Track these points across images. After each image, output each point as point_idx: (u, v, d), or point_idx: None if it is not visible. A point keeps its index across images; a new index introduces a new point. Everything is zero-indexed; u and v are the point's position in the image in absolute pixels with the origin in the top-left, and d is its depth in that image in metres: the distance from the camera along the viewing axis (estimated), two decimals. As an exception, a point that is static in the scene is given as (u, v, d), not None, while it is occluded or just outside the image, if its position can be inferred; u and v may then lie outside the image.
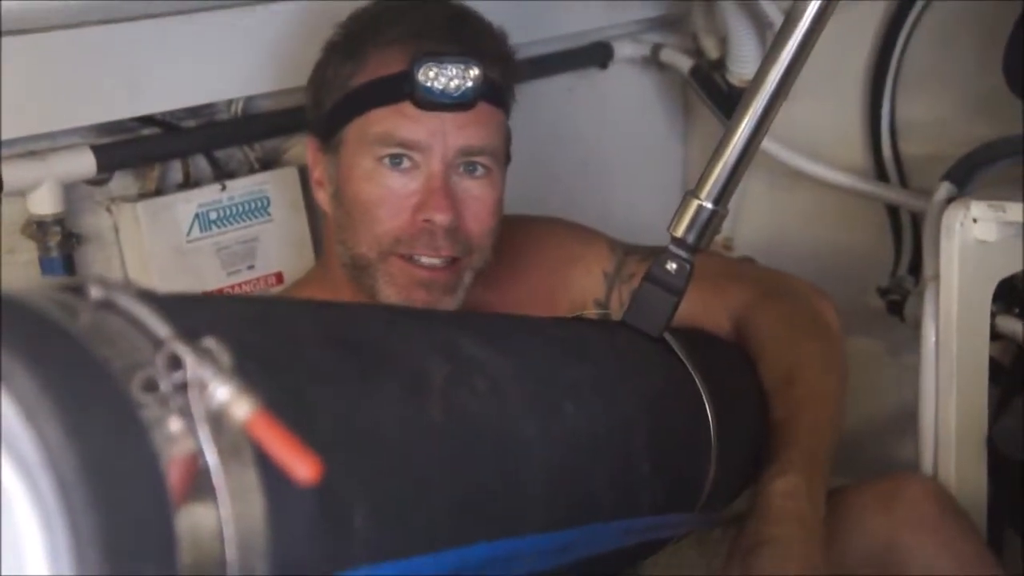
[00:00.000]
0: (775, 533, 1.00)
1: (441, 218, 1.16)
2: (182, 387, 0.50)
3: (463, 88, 1.15)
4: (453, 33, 1.19)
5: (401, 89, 1.15)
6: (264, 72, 1.37)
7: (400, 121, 1.16)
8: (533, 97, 1.46)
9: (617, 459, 0.87)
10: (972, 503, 1.26)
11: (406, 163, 1.17)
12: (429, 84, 1.14)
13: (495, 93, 1.20)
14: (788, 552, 0.99)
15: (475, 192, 1.19)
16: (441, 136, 1.16)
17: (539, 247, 1.34)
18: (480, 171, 1.19)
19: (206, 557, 0.50)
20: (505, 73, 1.23)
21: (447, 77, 1.15)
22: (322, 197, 1.25)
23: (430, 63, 1.14)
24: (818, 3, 1.00)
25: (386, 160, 1.17)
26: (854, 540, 1.15)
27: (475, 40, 1.20)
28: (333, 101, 1.21)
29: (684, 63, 1.81)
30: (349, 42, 1.22)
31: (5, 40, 1.14)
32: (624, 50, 1.82)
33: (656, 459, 0.91)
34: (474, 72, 1.15)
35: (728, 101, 1.77)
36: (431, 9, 1.22)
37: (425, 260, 1.18)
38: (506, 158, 1.24)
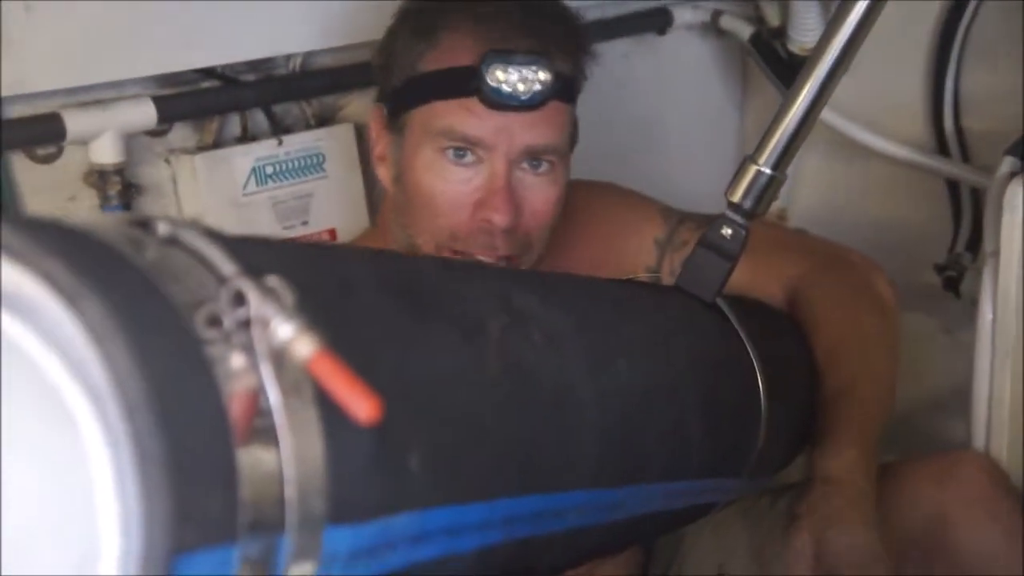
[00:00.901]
0: (833, 509, 1.00)
1: (500, 219, 1.14)
2: (245, 324, 0.50)
3: (532, 91, 1.12)
4: (525, 27, 1.15)
5: (468, 84, 1.13)
6: (324, 28, 1.37)
7: (465, 117, 1.14)
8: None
9: (669, 420, 0.86)
10: (1025, 483, 1.24)
11: (469, 157, 1.15)
12: (497, 85, 1.12)
13: (565, 89, 1.17)
14: (853, 536, 0.99)
15: (536, 189, 1.17)
16: (507, 135, 1.14)
17: (590, 212, 1.33)
18: (544, 167, 1.17)
19: (265, 494, 0.51)
20: (577, 65, 1.20)
21: (516, 78, 1.12)
22: (383, 173, 1.23)
23: (499, 63, 1.11)
24: (886, -29, 0.98)
25: (449, 152, 1.15)
26: (905, 515, 1.13)
27: (548, 35, 1.16)
28: (401, 79, 1.18)
29: (744, 30, 1.78)
30: (421, 17, 1.18)
31: (70, -11, 1.15)
32: (683, 16, 1.80)
33: (707, 422, 0.91)
34: (543, 75, 1.12)
35: (787, 70, 1.74)
36: None
37: (481, 257, 1.17)
38: (572, 143, 1.22)
